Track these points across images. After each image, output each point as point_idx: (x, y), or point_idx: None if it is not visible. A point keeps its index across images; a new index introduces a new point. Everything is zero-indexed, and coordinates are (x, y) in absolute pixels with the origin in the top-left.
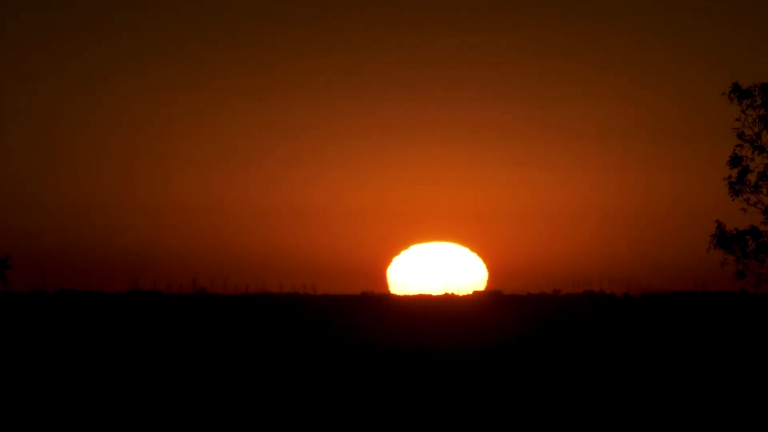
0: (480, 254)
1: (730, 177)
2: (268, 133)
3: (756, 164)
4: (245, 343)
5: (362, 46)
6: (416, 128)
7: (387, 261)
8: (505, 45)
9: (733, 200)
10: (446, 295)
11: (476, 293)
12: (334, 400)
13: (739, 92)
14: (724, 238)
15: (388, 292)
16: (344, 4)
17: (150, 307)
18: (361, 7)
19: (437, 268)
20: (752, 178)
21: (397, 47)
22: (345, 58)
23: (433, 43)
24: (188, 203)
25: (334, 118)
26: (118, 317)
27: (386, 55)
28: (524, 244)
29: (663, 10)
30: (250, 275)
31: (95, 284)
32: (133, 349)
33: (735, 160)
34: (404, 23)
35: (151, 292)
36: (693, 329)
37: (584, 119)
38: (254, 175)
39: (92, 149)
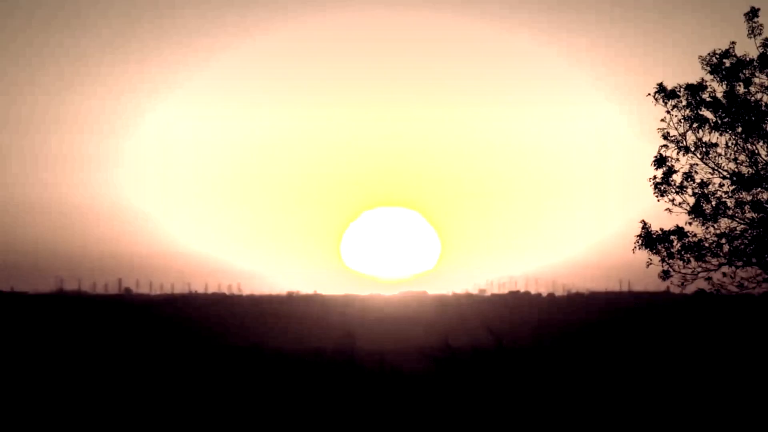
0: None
1: (654, 177)
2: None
3: (681, 165)
4: (165, 346)
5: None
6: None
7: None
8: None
9: (658, 201)
10: (371, 296)
11: (402, 294)
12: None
13: (664, 93)
14: (649, 239)
15: (314, 292)
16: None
17: (75, 309)
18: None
19: (391, 237)
20: (677, 178)
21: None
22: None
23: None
24: None
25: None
26: (42, 319)
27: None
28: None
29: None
30: (175, 274)
31: (19, 285)
32: (56, 351)
33: (660, 161)
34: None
35: (75, 293)
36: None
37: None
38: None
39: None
